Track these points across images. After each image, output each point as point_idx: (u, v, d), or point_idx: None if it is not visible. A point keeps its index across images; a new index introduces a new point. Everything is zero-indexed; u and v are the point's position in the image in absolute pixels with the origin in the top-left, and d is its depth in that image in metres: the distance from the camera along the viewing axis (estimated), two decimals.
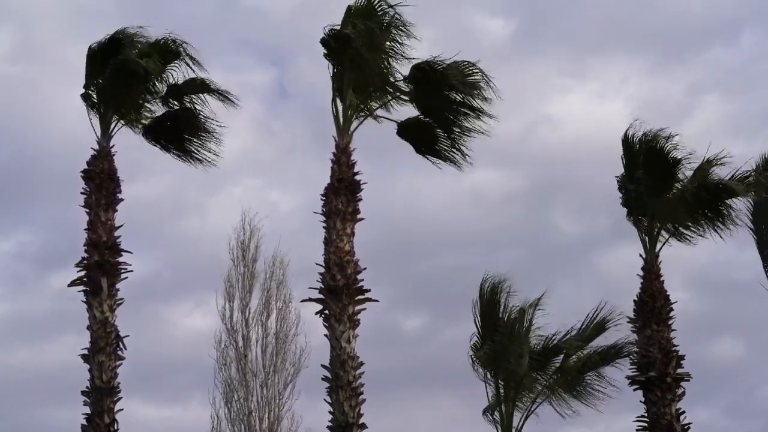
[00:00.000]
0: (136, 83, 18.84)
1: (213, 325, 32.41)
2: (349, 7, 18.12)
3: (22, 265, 44.13)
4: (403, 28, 18.25)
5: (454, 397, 36.57)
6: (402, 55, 18.48)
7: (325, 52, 18.16)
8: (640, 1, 45.89)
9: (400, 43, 18.40)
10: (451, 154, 19.24)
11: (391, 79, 18.63)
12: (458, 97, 18.63)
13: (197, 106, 19.55)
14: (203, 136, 19.77)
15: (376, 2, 18.18)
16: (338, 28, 17.95)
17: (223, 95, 19.19)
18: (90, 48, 18.86)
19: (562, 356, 18.72)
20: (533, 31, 45.61)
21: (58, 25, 42.88)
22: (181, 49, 18.90)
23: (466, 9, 40.92)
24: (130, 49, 18.56)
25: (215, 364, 30.81)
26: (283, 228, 42.35)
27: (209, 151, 19.88)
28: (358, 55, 17.85)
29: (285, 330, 31.29)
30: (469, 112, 18.71)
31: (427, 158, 19.41)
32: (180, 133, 19.75)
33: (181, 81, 19.29)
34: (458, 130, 18.97)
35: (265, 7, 45.81)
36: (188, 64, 19.09)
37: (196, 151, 19.88)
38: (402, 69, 18.61)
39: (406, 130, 19.20)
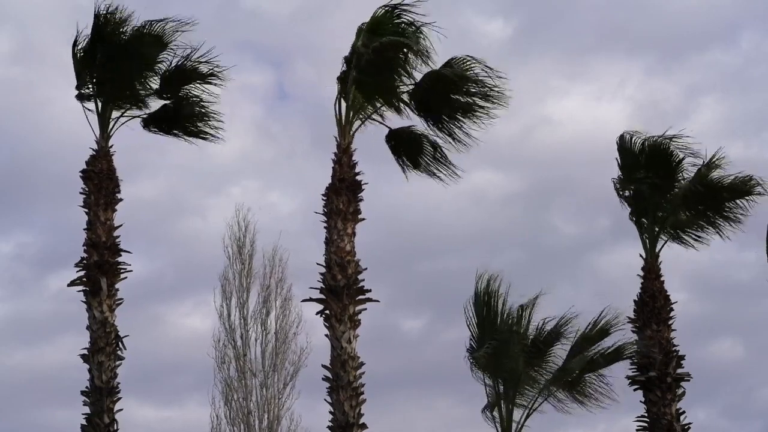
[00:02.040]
0: (131, 68, 18.73)
1: (213, 326, 32.43)
2: (374, 15, 18.04)
3: (21, 266, 44.26)
4: (421, 43, 18.12)
5: (453, 397, 36.65)
6: (413, 67, 18.42)
7: (350, 55, 18.13)
8: (638, 2, 45.95)
9: (414, 56, 18.26)
10: (434, 167, 19.19)
11: (399, 85, 18.61)
12: (464, 100, 18.58)
13: (194, 95, 19.37)
14: (204, 119, 19.60)
15: (395, 16, 18.05)
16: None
17: (213, 77, 19.06)
18: (74, 44, 18.69)
19: (557, 346, 18.69)
20: (532, 32, 45.68)
21: (57, 27, 42.86)
22: (169, 30, 18.64)
23: (465, 10, 40.92)
24: (119, 34, 18.46)
25: (214, 364, 30.84)
26: (282, 229, 42.37)
27: (212, 129, 19.69)
28: (383, 58, 17.84)
29: (285, 329, 31.22)
30: (472, 113, 18.63)
31: (405, 165, 19.23)
32: (182, 119, 19.61)
33: (173, 66, 19.03)
34: (454, 135, 18.90)
35: (264, 8, 45.87)
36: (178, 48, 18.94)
37: (199, 131, 19.65)
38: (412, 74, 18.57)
39: (394, 137, 19.11)
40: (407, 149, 19.16)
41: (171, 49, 18.86)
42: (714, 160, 19.06)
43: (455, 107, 18.55)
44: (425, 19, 17.91)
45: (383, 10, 18.04)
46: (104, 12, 18.33)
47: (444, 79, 18.13)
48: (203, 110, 19.49)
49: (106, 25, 18.46)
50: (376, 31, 18.01)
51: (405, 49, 18.00)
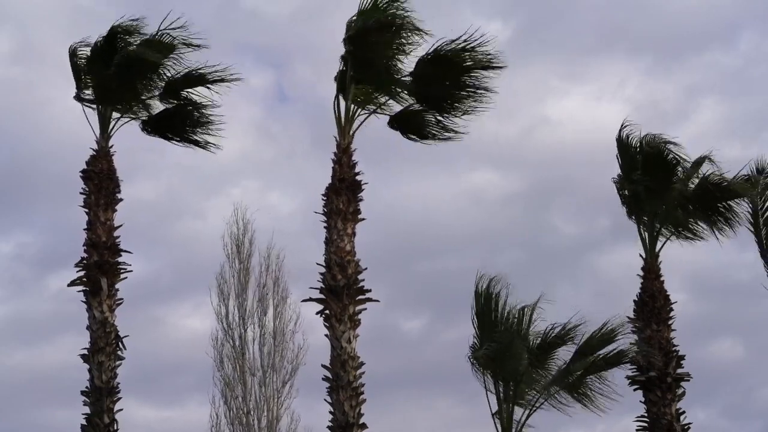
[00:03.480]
0: (137, 76, 18.76)
1: (212, 326, 32.43)
2: (361, 7, 18.16)
3: (21, 266, 44.24)
4: (410, 27, 18.21)
5: (453, 397, 36.69)
6: (406, 52, 18.50)
7: (345, 51, 18.17)
8: (637, 3, 45.96)
9: (406, 41, 18.37)
10: (440, 133, 19.32)
11: (396, 76, 18.64)
12: (462, 80, 18.61)
13: (196, 99, 19.41)
14: (204, 125, 19.65)
15: (381, 3, 18.16)
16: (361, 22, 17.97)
17: (221, 81, 19.10)
18: (71, 48, 18.72)
19: (561, 350, 18.70)
20: (531, 33, 45.65)
21: (57, 27, 42.88)
22: (178, 41, 18.70)
23: (465, 11, 40.94)
24: (130, 43, 18.55)
25: (213, 363, 30.83)
26: (282, 229, 42.41)
27: (211, 138, 19.78)
28: (376, 47, 17.95)
29: (282, 327, 31.18)
30: (472, 92, 18.69)
31: (414, 140, 19.44)
32: (181, 125, 19.67)
33: (178, 74, 19.08)
34: (455, 111, 18.98)
35: (264, 9, 45.83)
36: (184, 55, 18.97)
37: (199, 139, 19.76)
38: (406, 65, 18.69)
39: (397, 120, 19.26)
40: (412, 125, 19.28)
41: (176, 54, 18.89)
42: (712, 161, 19.09)
43: (453, 87, 18.60)
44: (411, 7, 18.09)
45: (371, 2, 18.17)
46: (120, 26, 18.47)
47: (438, 58, 18.16)
48: (203, 117, 19.52)
49: (118, 35, 18.55)
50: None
51: (386, 30, 18.02)
